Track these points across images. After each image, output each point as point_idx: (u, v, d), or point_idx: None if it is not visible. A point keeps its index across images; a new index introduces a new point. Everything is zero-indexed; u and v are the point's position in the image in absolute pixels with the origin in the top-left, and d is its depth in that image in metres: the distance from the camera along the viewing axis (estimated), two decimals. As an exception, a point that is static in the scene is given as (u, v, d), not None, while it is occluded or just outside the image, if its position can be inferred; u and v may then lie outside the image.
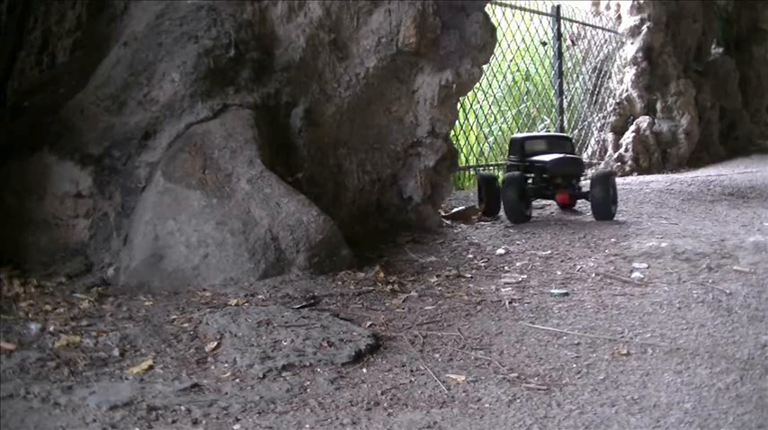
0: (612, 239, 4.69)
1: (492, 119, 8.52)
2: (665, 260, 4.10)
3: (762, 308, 3.27)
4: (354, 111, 4.64)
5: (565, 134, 7.15)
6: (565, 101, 9.22)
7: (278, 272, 3.63)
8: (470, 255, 4.40)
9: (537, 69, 9.49)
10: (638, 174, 8.97)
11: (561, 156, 5.65)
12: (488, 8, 5.85)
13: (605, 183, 5.48)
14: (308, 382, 2.46)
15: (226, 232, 3.61)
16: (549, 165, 5.55)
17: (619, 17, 10.00)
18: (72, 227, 3.79)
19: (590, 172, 8.94)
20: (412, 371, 2.60)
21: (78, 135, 3.85)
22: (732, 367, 2.60)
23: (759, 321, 3.09)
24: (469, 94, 6.77)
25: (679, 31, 10.03)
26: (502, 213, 5.61)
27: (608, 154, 9.51)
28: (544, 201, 6.09)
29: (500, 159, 8.62)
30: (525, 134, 6.35)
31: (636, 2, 9.77)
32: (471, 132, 8.17)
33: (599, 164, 9.41)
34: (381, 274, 3.81)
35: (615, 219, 5.46)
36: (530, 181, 5.64)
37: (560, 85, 9.08)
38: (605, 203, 5.43)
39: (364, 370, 2.61)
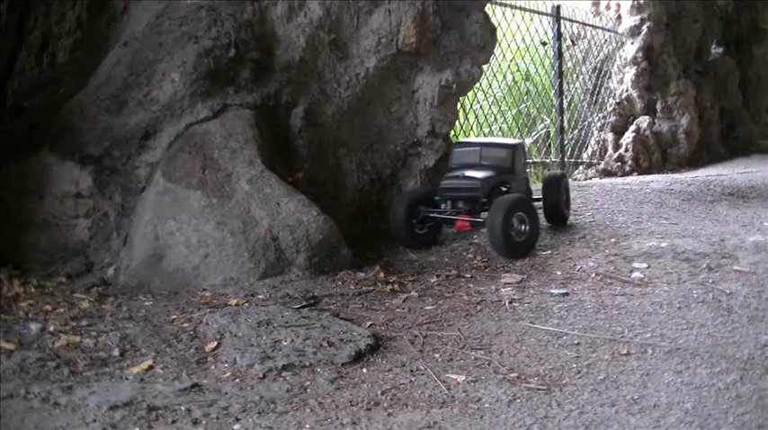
0: (612, 239, 4.69)
1: (492, 119, 8.51)
2: (665, 260, 4.10)
3: (762, 308, 3.26)
4: (354, 111, 4.64)
5: (509, 142, 5.54)
6: (565, 101, 9.21)
7: (278, 272, 3.63)
8: (470, 255, 4.40)
9: (537, 69, 9.49)
10: (638, 174, 8.96)
11: (457, 174, 4.67)
12: (488, 8, 5.85)
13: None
14: (308, 382, 2.46)
15: (226, 232, 3.61)
16: (440, 186, 4.67)
17: (619, 17, 10.00)
18: (72, 227, 3.78)
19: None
20: (412, 371, 2.60)
21: (78, 135, 3.85)
22: (732, 367, 2.60)
23: (759, 321, 3.09)
24: (469, 94, 6.77)
25: (679, 31, 10.03)
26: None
27: (608, 154, 9.51)
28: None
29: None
30: (464, 140, 5.38)
31: (636, 2, 9.77)
32: (471, 132, 8.17)
33: (599, 164, 9.40)
34: (381, 274, 3.81)
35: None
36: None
37: (560, 85, 9.07)
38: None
39: (364, 370, 2.61)
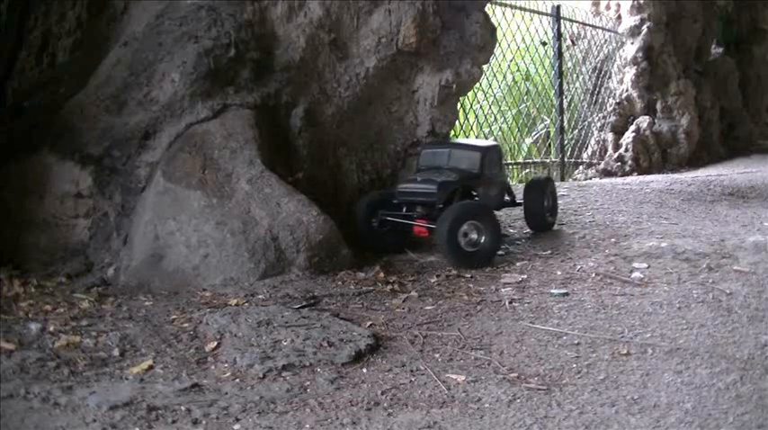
0: (612, 239, 4.69)
1: (492, 119, 8.52)
2: (665, 260, 4.10)
3: (762, 308, 3.26)
4: (354, 111, 4.64)
5: (481, 144, 5.15)
6: (565, 101, 9.22)
7: (278, 272, 3.63)
8: (470, 255, 4.39)
9: (537, 69, 9.49)
10: (638, 174, 8.97)
11: (416, 178, 4.46)
12: (488, 8, 5.85)
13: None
14: (308, 382, 2.46)
15: (226, 232, 3.61)
16: (397, 189, 4.45)
17: (619, 17, 10.00)
18: (72, 227, 3.78)
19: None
20: (412, 371, 2.60)
21: (78, 135, 3.85)
22: (732, 367, 2.60)
23: (759, 321, 3.09)
24: (469, 94, 6.77)
25: (679, 31, 10.03)
26: None
27: (608, 154, 9.51)
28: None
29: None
30: (435, 141, 4.94)
31: (636, 2, 9.77)
32: (471, 132, 8.17)
33: (599, 164, 9.41)
34: (381, 274, 3.81)
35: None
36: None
37: (560, 85, 9.08)
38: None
39: (364, 370, 2.61)
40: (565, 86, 9.27)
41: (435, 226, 4.12)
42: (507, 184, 4.94)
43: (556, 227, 5.07)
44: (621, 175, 8.98)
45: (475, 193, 4.52)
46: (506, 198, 4.84)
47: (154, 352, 2.69)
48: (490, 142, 5.87)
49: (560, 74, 9.09)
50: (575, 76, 9.79)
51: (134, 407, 2.22)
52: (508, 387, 2.45)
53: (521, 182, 8.49)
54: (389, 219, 4.40)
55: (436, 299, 3.50)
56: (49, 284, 3.45)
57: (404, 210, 4.41)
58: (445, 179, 4.35)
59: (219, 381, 2.45)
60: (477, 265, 4.08)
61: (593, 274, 3.90)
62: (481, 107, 8.26)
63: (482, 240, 4.13)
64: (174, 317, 3.07)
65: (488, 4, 5.84)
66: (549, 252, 4.44)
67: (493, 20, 5.78)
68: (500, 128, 8.76)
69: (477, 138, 8.29)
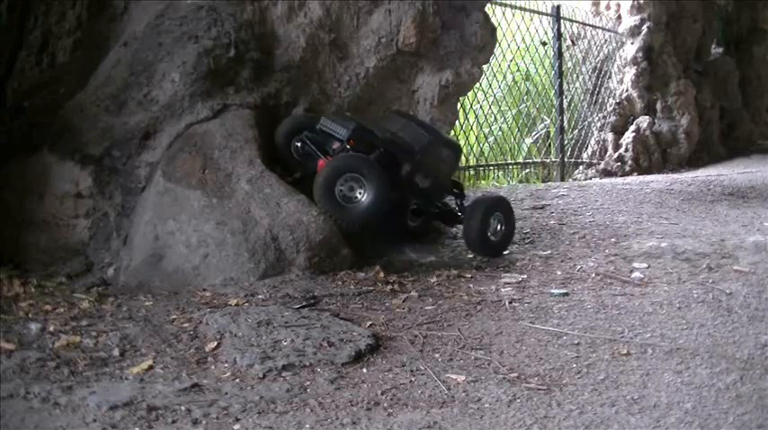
0: (612, 239, 4.69)
1: (492, 119, 8.52)
2: (665, 260, 4.10)
3: (762, 308, 3.26)
4: (354, 110, 4.63)
5: (440, 137, 4.53)
6: (565, 101, 9.21)
7: (278, 272, 3.63)
8: (470, 255, 4.39)
9: (537, 69, 9.49)
10: (638, 174, 8.96)
11: (346, 115, 4.24)
12: (488, 8, 5.85)
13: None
14: (308, 382, 2.46)
15: (226, 232, 3.61)
16: (320, 121, 4.10)
17: (619, 17, 9.99)
18: (72, 227, 3.78)
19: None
20: (412, 371, 2.60)
21: (78, 135, 3.85)
22: (732, 367, 2.60)
23: (759, 321, 3.09)
24: (469, 93, 6.77)
25: (679, 31, 10.03)
26: None
27: (608, 154, 9.51)
28: (544, 201, 6.09)
29: (500, 159, 8.64)
30: (411, 115, 4.63)
31: (636, 2, 9.77)
32: (471, 132, 8.17)
33: (599, 164, 9.41)
34: (381, 274, 3.81)
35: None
36: None
37: (560, 85, 9.07)
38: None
39: (364, 370, 2.61)
40: (565, 86, 9.27)
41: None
42: (458, 186, 4.57)
43: (551, 224, 5.06)
44: (621, 175, 8.97)
45: (406, 174, 4.14)
46: (450, 204, 4.48)
47: (154, 352, 2.69)
48: (454, 142, 5.10)
49: (560, 74, 9.09)
50: (575, 76, 9.78)
51: (134, 407, 2.22)
52: (508, 387, 2.45)
53: (520, 181, 8.50)
54: (308, 144, 4.07)
55: (436, 299, 3.50)
56: (49, 284, 3.45)
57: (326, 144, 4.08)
58: (363, 127, 4.02)
59: (219, 381, 2.45)
60: (351, 224, 3.81)
61: (593, 274, 3.90)
62: (481, 107, 8.25)
63: (359, 196, 3.81)
64: (174, 317, 3.07)
65: (488, 4, 5.84)
66: (549, 252, 4.44)
67: (493, 20, 5.78)
68: (500, 128, 8.76)
69: (476, 137, 8.30)
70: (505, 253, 4.40)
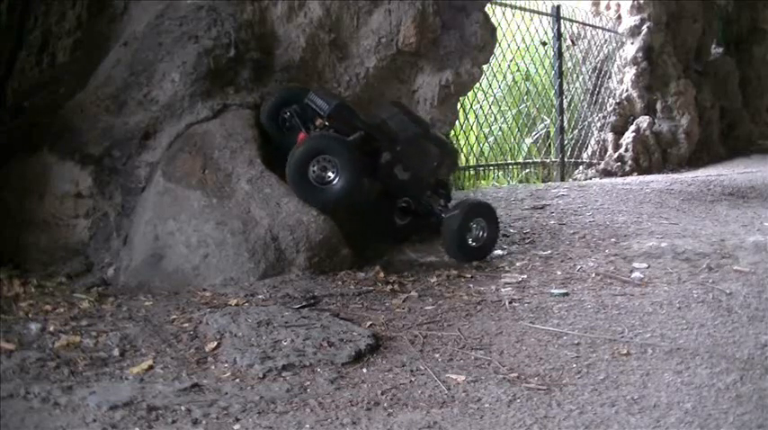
0: (612, 239, 4.69)
1: (492, 119, 8.52)
2: (665, 260, 4.10)
3: (762, 308, 3.27)
4: (354, 111, 4.64)
5: (429, 133, 4.40)
6: (565, 101, 9.22)
7: (278, 272, 3.63)
8: (470, 255, 4.39)
9: (537, 69, 9.49)
10: (638, 174, 8.96)
11: (334, 93, 4.22)
12: (488, 8, 5.85)
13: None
14: (308, 382, 2.46)
15: (226, 232, 3.61)
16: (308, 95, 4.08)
17: (619, 17, 9.99)
18: (72, 227, 3.78)
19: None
20: (412, 371, 2.60)
21: (78, 135, 3.85)
22: (732, 367, 2.60)
23: (759, 321, 3.09)
24: (469, 93, 6.77)
25: (679, 31, 10.03)
26: None
27: (608, 154, 9.51)
28: (544, 201, 6.10)
29: (500, 159, 8.64)
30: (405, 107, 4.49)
31: (636, 2, 9.76)
32: (471, 132, 8.17)
33: (599, 164, 9.41)
34: (381, 274, 3.81)
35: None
36: None
37: (560, 85, 9.08)
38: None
39: (364, 370, 2.61)
40: (565, 86, 9.27)
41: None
42: (445, 187, 4.46)
43: (551, 224, 5.05)
44: (621, 175, 8.97)
45: (385, 163, 4.03)
46: (437, 202, 4.31)
47: (154, 352, 2.69)
48: (444, 140, 4.73)
49: (560, 74, 9.09)
50: (575, 76, 9.78)
51: (134, 407, 2.22)
52: (508, 387, 2.45)
53: (520, 181, 8.50)
54: (294, 117, 4.00)
55: (436, 299, 3.50)
56: (49, 284, 3.45)
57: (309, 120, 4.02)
58: (347, 106, 3.94)
59: (219, 381, 2.45)
60: (322, 207, 3.72)
61: (593, 274, 3.90)
62: (481, 107, 8.25)
63: (331, 177, 3.73)
64: (174, 317, 3.07)
65: (488, 4, 5.84)
66: (549, 252, 4.44)
67: (493, 20, 5.78)
68: (500, 128, 8.76)
69: (476, 137, 8.30)
70: (490, 256, 4.28)
